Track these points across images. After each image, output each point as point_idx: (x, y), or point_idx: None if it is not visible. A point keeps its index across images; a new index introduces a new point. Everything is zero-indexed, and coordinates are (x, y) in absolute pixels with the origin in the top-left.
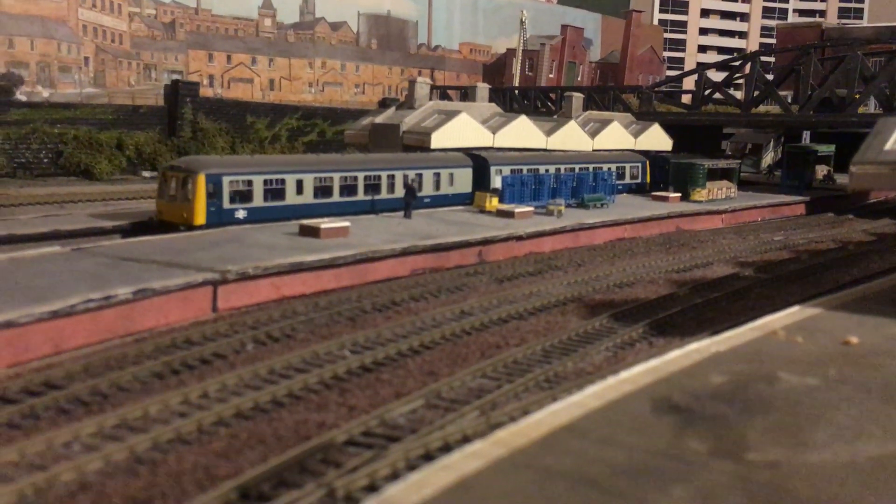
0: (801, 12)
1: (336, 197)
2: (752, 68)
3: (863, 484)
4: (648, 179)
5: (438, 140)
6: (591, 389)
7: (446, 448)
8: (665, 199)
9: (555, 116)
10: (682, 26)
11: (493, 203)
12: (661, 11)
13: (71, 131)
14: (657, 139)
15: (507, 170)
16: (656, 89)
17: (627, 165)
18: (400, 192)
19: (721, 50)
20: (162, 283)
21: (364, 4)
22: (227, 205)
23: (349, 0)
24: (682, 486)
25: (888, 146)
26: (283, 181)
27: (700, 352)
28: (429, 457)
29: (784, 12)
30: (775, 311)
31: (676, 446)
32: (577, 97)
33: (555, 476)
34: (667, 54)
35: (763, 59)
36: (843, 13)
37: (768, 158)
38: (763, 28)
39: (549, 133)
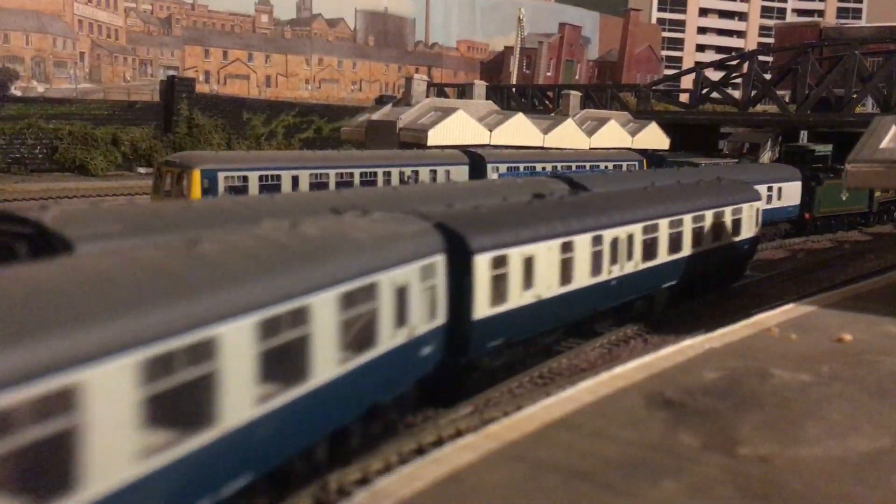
0: (800, 12)
1: None
2: (750, 67)
3: (853, 478)
4: None
5: (435, 137)
6: (584, 385)
7: (439, 442)
8: None
9: (552, 114)
10: (680, 25)
11: None
12: (659, 10)
13: (66, 127)
14: (654, 138)
15: (503, 167)
16: (654, 88)
17: (624, 164)
18: None
19: (719, 49)
20: None
21: (361, 1)
22: None
23: None
24: (673, 480)
25: (883, 145)
26: (278, 177)
27: (694, 348)
28: (421, 451)
29: (782, 12)
30: (770, 308)
31: (668, 440)
32: (575, 95)
33: (547, 469)
34: (665, 53)
35: (761, 58)
36: (841, 13)
37: (766, 158)
38: (761, 27)
39: (546, 131)
